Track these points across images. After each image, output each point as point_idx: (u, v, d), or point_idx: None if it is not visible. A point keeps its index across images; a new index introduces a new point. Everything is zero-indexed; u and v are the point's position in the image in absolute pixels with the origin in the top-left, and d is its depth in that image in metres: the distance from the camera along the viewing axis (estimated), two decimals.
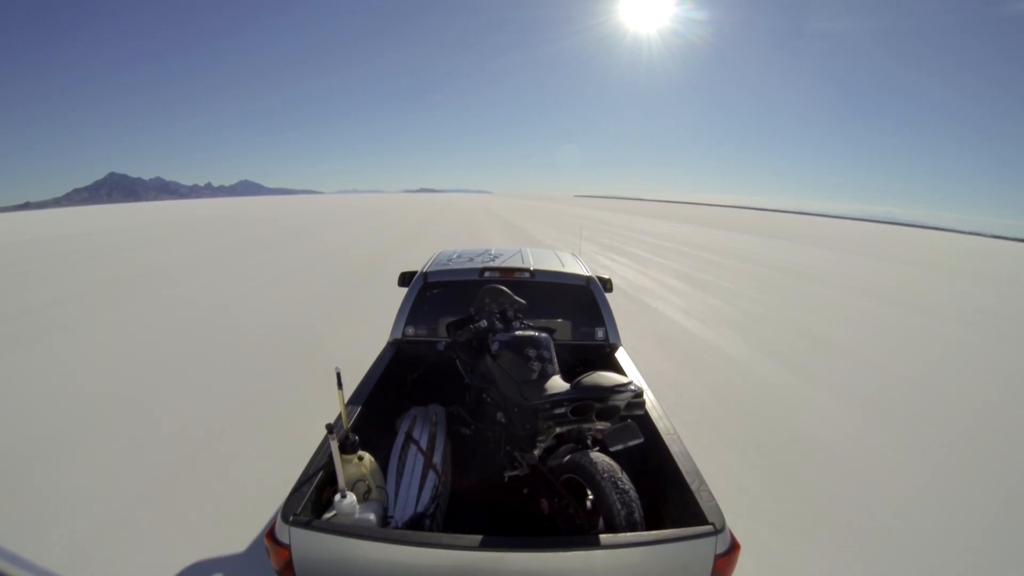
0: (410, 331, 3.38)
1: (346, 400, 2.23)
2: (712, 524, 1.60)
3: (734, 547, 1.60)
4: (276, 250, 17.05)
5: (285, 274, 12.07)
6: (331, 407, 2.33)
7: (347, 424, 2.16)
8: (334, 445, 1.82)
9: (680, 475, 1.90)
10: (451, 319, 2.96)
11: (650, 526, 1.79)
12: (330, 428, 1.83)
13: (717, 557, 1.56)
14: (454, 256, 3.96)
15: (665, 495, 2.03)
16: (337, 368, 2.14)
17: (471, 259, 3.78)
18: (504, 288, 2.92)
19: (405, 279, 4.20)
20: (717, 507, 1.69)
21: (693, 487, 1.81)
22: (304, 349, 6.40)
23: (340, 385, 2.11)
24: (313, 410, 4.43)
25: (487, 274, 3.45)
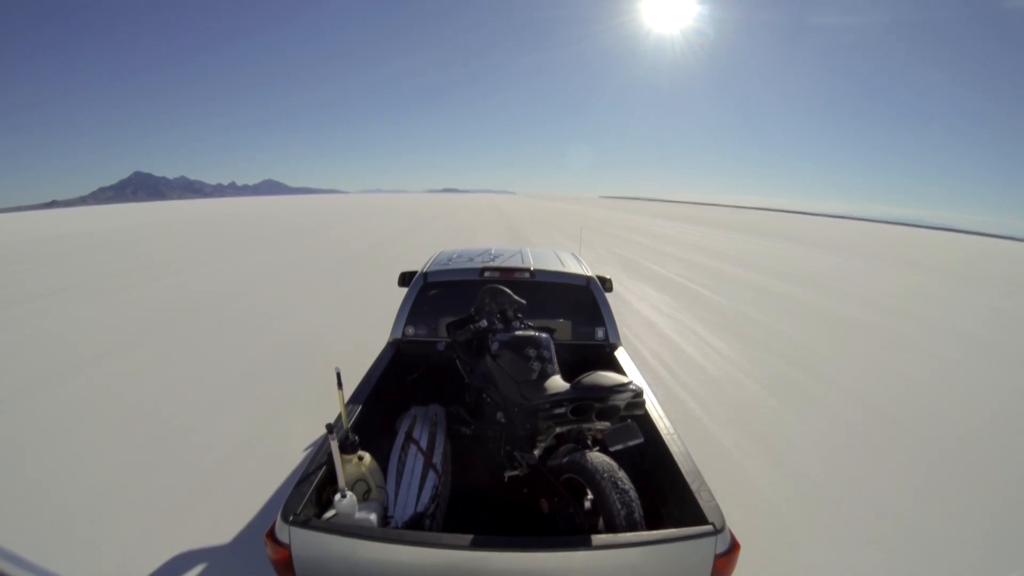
0: (410, 331, 3.38)
1: (346, 400, 2.23)
2: (712, 524, 1.60)
3: (734, 547, 1.60)
4: (294, 240, 19.91)
5: (300, 255, 15.45)
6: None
7: (347, 424, 2.16)
8: (334, 445, 1.82)
9: (680, 475, 1.90)
10: (451, 319, 2.96)
11: (650, 526, 1.79)
12: (330, 428, 1.83)
13: (717, 557, 1.56)
14: (454, 256, 3.96)
15: (665, 495, 2.03)
16: (337, 368, 2.14)
17: (471, 259, 3.78)
18: (504, 288, 2.92)
19: (405, 279, 4.20)
20: (717, 507, 1.69)
21: (693, 487, 1.81)
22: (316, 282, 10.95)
23: (340, 385, 2.11)
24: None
25: (487, 274, 3.45)
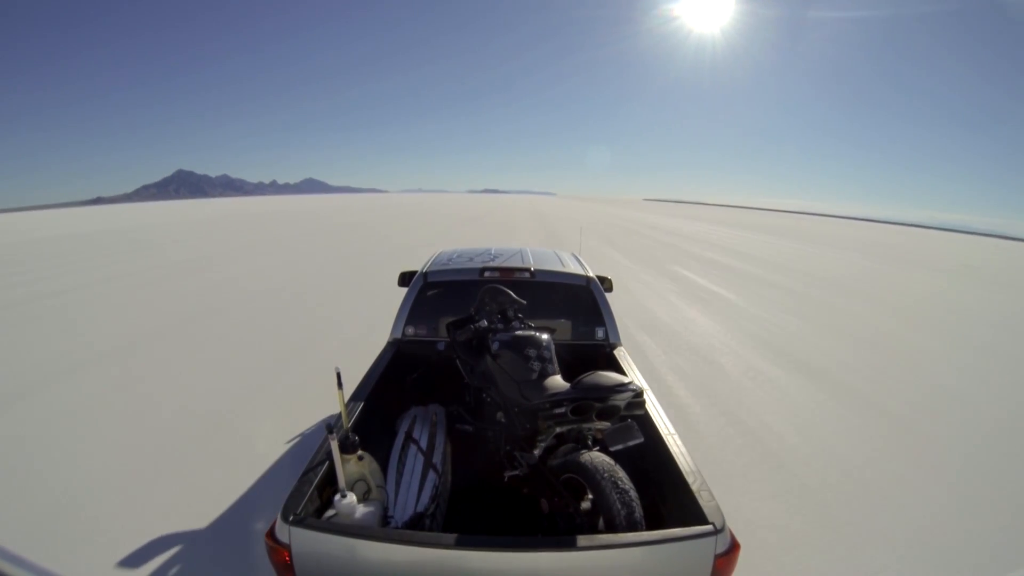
0: (410, 331, 3.38)
1: (346, 400, 2.23)
2: (712, 524, 1.60)
3: (734, 547, 1.60)
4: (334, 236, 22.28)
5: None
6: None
7: (347, 424, 2.16)
8: (334, 445, 1.82)
9: (680, 475, 1.90)
10: (451, 319, 2.96)
11: (650, 526, 1.79)
12: (330, 428, 1.83)
13: (717, 557, 1.56)
14: (454, 256, 3.95)
15: (665, 495, 2.03)
16: (337, 368, 2.14)
17: (471, 259, 3.78)
18: (504, 288, 2.92)
19: (405, 279, 4.20)
20: (717, 507, 1.69)
21: (693, 487, 1.81)
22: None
23: (340, 385, 2.11)
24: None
25: (487, 274, 3.45)
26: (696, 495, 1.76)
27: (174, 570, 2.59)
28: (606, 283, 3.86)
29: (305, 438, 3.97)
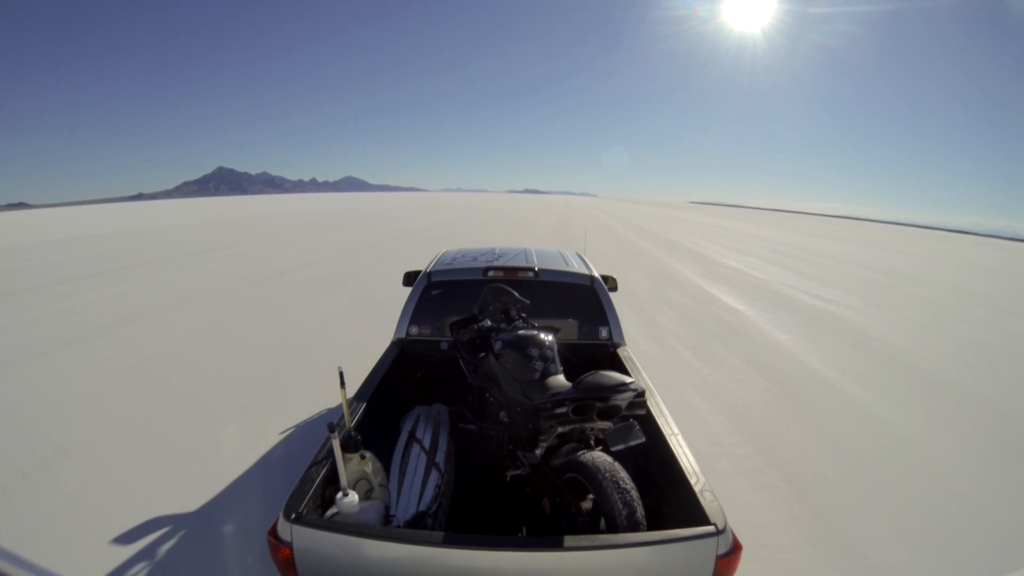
0: (414, 330, 3.39)
1: (349, 398, 2.24)
2: (714, 525, 1.59)
3: (736, 548, 1.59)
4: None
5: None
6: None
7: (349, 423, 2.17)
8: (336, 444, 1.82)
9: (682, 475, 1.89)
10: (455, 318, 2.96)
11: (652, 526, 1.79)
12: (332, 427, 1.84)
13: (719, 558, 1.55)
14: (458, 256, 3.96)
15: (667, 495, 2.02)
16: (340, 368, 2.15)
17: (475, 258, 3.78)
18: (507, 288, 2.92)
19: (409, 279, 4.21)
20: (719, 508, 1.68)
21: (695, 487, 1.80)
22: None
23: (343, 384, 2.12)
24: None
25: (491, 273, 3.45)
26: (698, 496, 1.75)
27: None
28: (610, 283, 3.85)
29: None
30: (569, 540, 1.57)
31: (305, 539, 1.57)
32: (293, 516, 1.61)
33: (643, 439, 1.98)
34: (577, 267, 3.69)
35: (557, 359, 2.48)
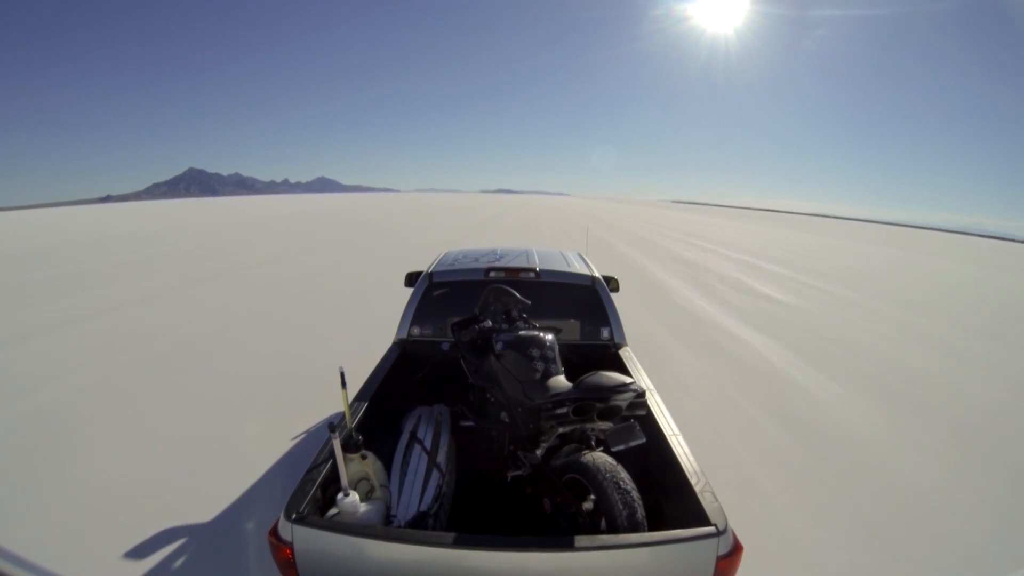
0: (415, 331, 3.40)
1: (350, 399, 2.24)
2: (715, 525, 1.59)
3: (736, 549, 1.59)
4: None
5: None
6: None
7: (351, 423, 2.17)
8: (337, 444, 1.83)
9: (683, 476, 1.89)
10: (456, 319, 2.96)
11: (652, 527, 1.79)
12: (333, 427, 1.84)
13: (719, 559, 1.55)
14: (460, 256, 3.96)
15: (667, 496, 2.02)
16: (341, 368, 2.15)
17: (476, 259, 3.79)
18: (509, 288, 2.92)
19: (411, 279, 4.22)
20: (720, 508, 1.68)
21: (696, 488, 1.80)
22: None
23: (344, 384, 2.13)
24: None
25: (492, 274, 3.45)
26: (699, 496, 1.75)
27: None
28: (612, 283, 3.85)
29: None
30: (570, 540, 1.57)
31: (306, 539, 1.58)
32: (294, 516, 1.61)
33: (644, 439, 1.98)
34: (579, 268, 3.69)
35: (558, 359, 2.48)
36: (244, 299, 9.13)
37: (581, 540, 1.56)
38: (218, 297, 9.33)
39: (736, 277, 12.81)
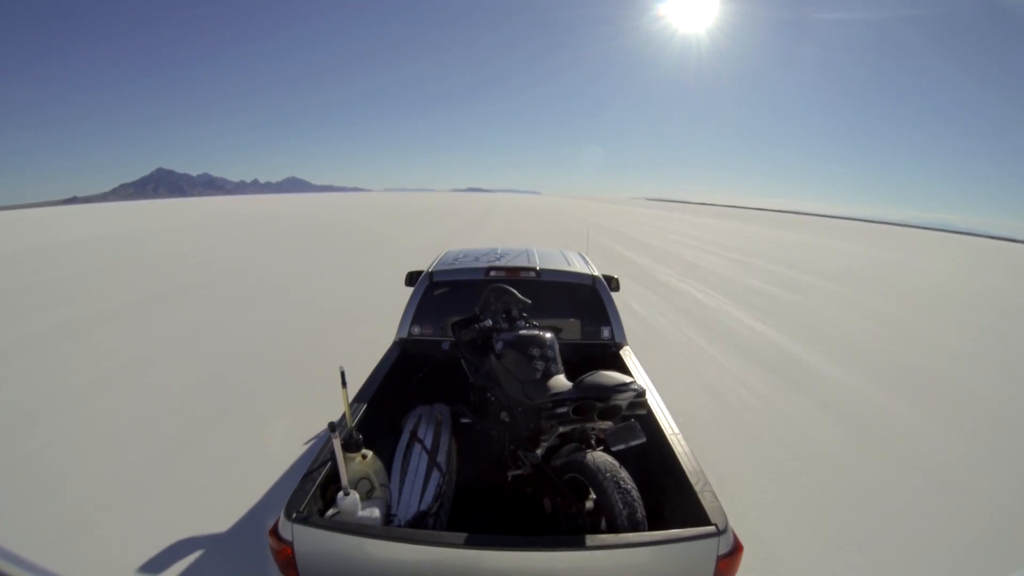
0: (416, 330, 3.40)
1: (350, 398, 2.24)
2: (715, 525, 1.59)
3: (737, 548, 1.59)
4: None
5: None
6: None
7: (351, 422, 2.18)
8: (337, 443, 1.83)
9: (683, 475, 1.89)
10: (457, 318, 2.96)
11: (652, 526, 1.79)
12: (333, 426, 1.84)
13: (719, 558, 1.55)
14: (460, 256, 3.96)
15: (668, 495, 2.02)
16: (341, 367, 2.16)
17: (477, 259, 3.79)
18: (509, 288, 2.92)
19: (412, 278, 4.22)
20: (720, 508, 1.68)
21: (696, 487, 1.80)
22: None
23: (344, 383, 2.13)
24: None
25: (493, 273, 3.45)
26: (699, 496, 1.75)
27: None
28: (612, 283, 3.85)
29: None
30: (570, 540, 1.57)
31: (306, 539, 1.58)
32: (294, 515, 1.61)
33: (644, 439, 1.97)
34: (579, 267, 3.69)
35: (559, 359, 2.48)
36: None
37: (581, 540, 1.56)
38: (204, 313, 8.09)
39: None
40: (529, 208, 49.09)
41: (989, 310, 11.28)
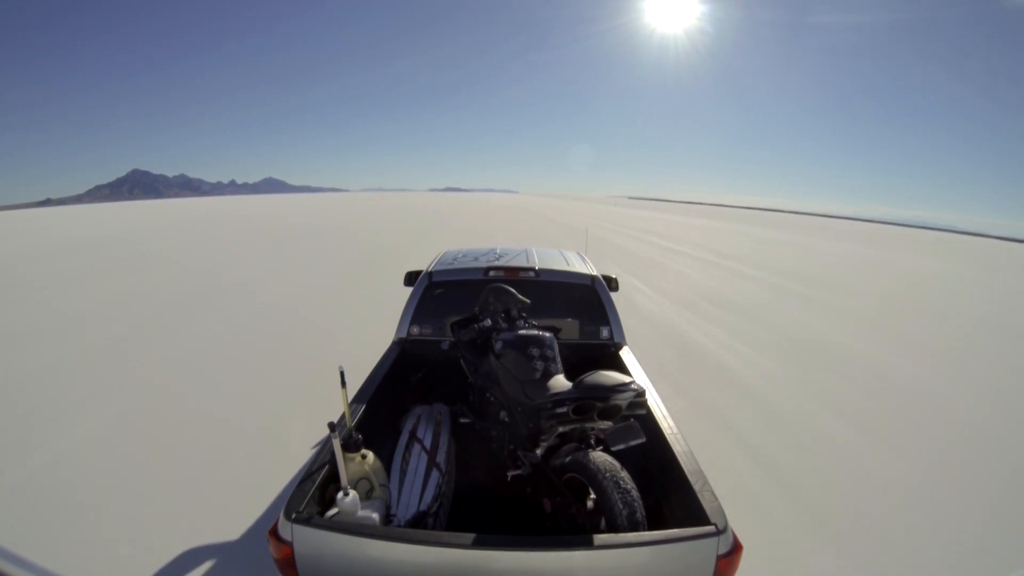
0: (415, 330, 3.40)
1: (350, 399, 2.24)
2: (714, 525, 1.59)
3: (736, 548, 1.59)
4: None
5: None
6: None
7: (350, 422, 2.17)
8: (336, 443, 1.83)
9: (682, 475, 1.89)
10: (456, 318, 2.96)
11: (652, 526, 1.79)
12: (333, 426, 1.84)
13: (719, 558, 1.55)
14: (459, 255, 3.96)
15: (667, 495, 2.02)
16: (341, 367, 2.15)
17: (476, 258, 3.79)
18: (508, 287, 2.92)
19: (411, 278, 4.21)
20: (720, 507, 1.68)
21: (696, 487, 1.80)
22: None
23: (344, 383, 2.12)
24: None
25: (492, 273, 3.45)
26: (698, 495, 1.75)
27: None
28: (611, 283, 3.85)
29: None
30: (570, 540, 1.57)
31: (306, 539, 1.58)
32: (294, 516, 1.61)
33: (643, 439, 1.98)
34: (578, 267, 3.69)
35: (558, 359, 2.48)
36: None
37: (581, 539, 1.57)
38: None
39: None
40: (499, 205, 51.82)
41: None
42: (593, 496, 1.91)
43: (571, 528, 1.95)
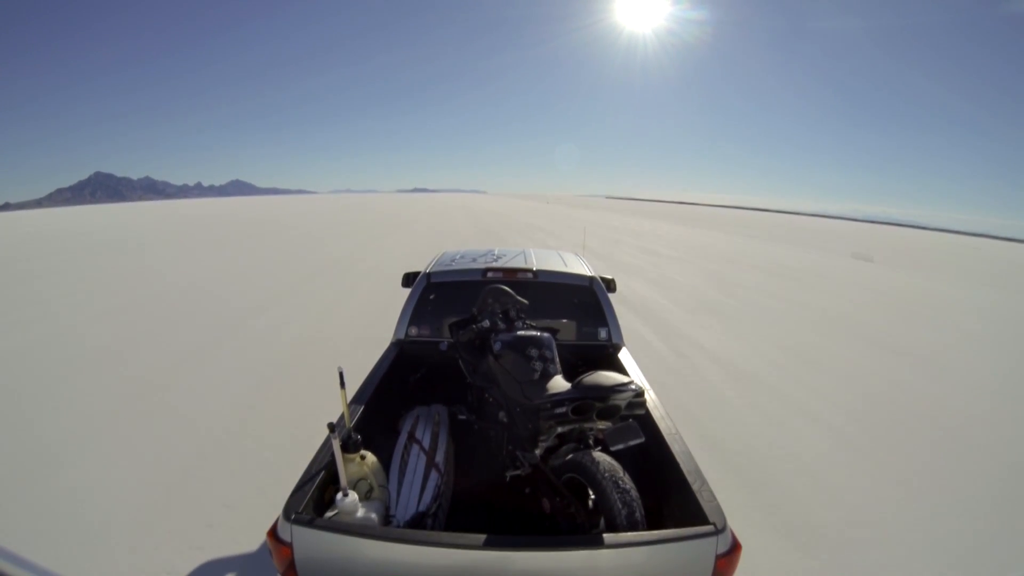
0: (413, 331, 3.40)
1: (349, 399, 2.24)
2: (713, 524, 1.60)
3: (735, 547, 1.60)
4: None
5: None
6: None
7: (349, 423, 2.17)
8: (336, 444, 1.82)
9: (681, 475, 1.89)
10: (454, 319, 2.97)
11: (651, 526, 1.79)
12: (332, 427, 1.84)
13: (718, 557, 1.56)
14: (457, 257, 3.96)
15: (666, 495, 2.03)
16: (340, 368, 2.15)
17: (474, 260, 3.79)
18: (507, 288, 2.93)
19: (409, 279, 4.21)
20: (718, 507, 1.69)
21: (695, 487, 1.80)
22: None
23: (343, 384, 2.12)
24: None
25: (490, 274, 3.46)
26: (697, 495, 1.76)
27: None
28: (609, 284, 3.86)
29: None
30: (569, 540, 1.58)
31: (305, 539, 1.57)
32: (293, 516, 1.61)
33: (642, 439, 1.98)
34: (576, 268, 3.70)
35: (556, 359, 2.49)
36: None
37: (580, 539, 1.57)
38: None
39: None
40: (462, 205, 54.47)
41: None
42: (592, 496, 1.92)
43: (570, 528, 1.95)
